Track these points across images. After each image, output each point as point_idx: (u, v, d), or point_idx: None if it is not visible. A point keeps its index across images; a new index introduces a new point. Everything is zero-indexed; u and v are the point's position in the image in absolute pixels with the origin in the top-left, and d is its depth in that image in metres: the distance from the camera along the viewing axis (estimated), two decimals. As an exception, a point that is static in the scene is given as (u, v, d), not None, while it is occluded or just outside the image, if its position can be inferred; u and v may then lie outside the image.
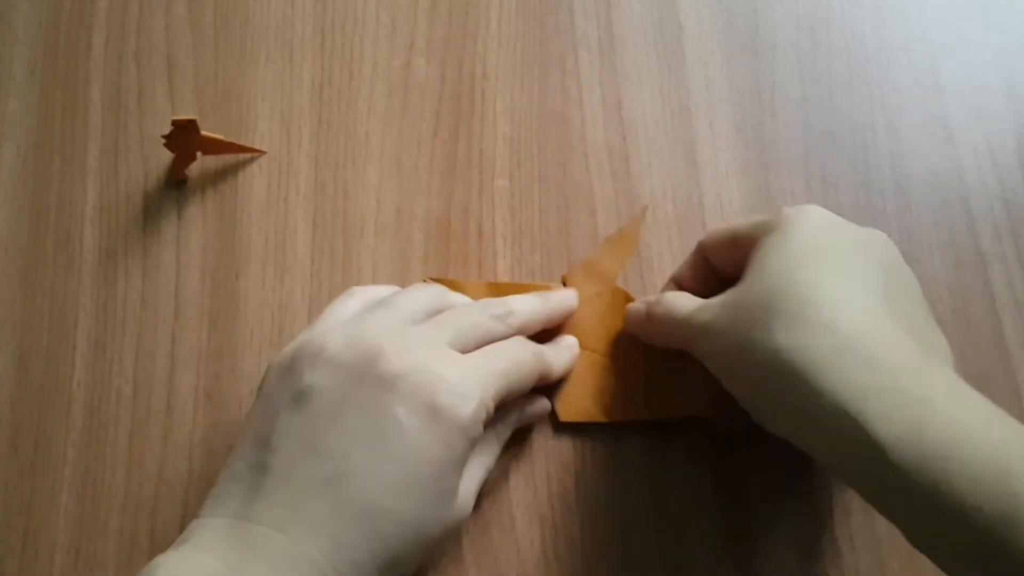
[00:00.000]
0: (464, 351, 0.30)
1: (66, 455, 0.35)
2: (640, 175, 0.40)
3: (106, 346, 0.36)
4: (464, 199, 0.39)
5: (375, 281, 0.38)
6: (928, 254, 0.39)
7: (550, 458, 0.35)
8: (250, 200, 0.39)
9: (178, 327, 0.37)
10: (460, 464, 0.28)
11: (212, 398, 0.36)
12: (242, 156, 0.39)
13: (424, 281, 0.37)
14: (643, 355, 0.35)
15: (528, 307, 0.34)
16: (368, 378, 0.28)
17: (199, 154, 0.38)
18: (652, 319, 0.33)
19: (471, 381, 0.29)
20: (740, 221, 0.32)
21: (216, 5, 0.42)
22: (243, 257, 0.38)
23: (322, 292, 0.37)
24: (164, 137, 0.36)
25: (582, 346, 0.36)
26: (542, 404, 0.34)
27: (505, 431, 0.33)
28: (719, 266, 0.33)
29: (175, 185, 0.39)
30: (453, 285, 0.36)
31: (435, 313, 0.32)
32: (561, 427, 0.35)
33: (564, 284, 0.37)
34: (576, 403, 0.35)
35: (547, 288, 0.36)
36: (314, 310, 0.37)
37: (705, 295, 0.33)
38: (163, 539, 0.34)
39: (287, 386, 0.29)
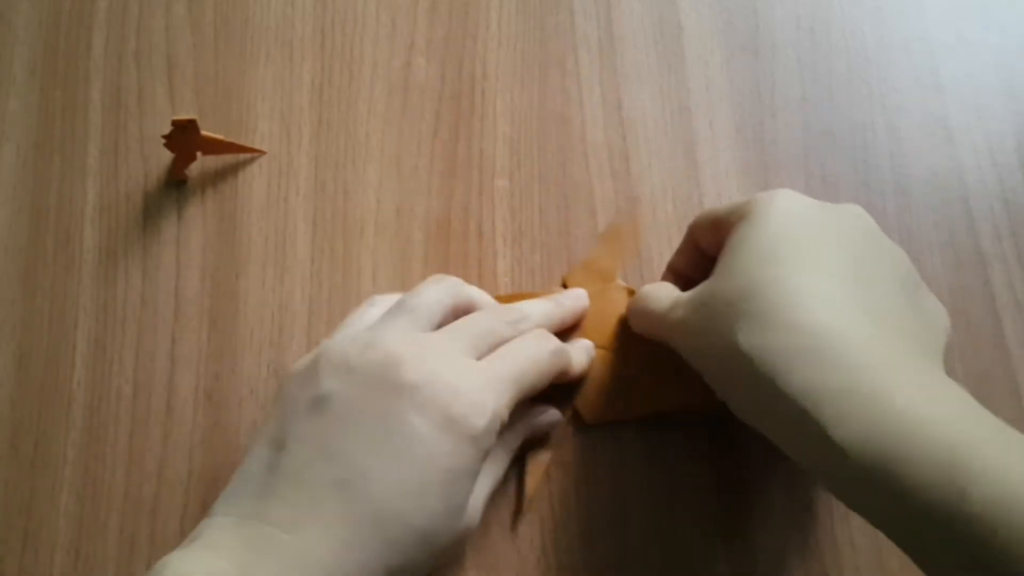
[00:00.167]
0: (480, 357, 0.31)
1: (66, 455, 0.35)
2: (640, 175, 0.40)
3: (106, 346, 0.36)
4: (464, 199, 0.39)
5: (375, 281, 0.38)
6: (928, 254, 0.39)
7: (550, 458, 0.35)
8: (250, 200, 0.39)
9: (178, 327, 0.37)
10: (472, 474, 0.29)
11: (212, 398, 0.36)
12: (242, 156, 0.39)
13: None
14: (651, 348, 0.35)
15: (541, 311, 0.34)
16: (385, 386, 0.28)
17: (199, 154, 0.38)
18: (635, 315, 0.34)
19: (486, 392, 0.29)
20: (724, 204, 0.32)
21: (216, 5, 0.42)
22: (243, 257, 0.38)
23: (322, 292, 0.37)
24: (164, 137, 0.36)
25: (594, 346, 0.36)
26: (552, 415, 0.34)
27: (514, 441, 0.33)
28: (707, 249, 0.33)
29: (175, 185, 0.39)
30: None
31: (453, 310, 0.32)
32: (564, 427, 0.35)
33: (565, 286, 0.37)
34: (597, 403, 0.35)
35: (554, 294, 0.36)
36: (314, 310, 0.37)
37: (698, 279, 0.33)
38: (163, 539, 0.34)
39: (305, 392, 0.29)
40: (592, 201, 0.39)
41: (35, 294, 0.37)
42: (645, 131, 0.40)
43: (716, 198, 0.39)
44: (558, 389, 0.34)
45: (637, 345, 0.35)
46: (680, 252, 0.35)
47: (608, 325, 0.36)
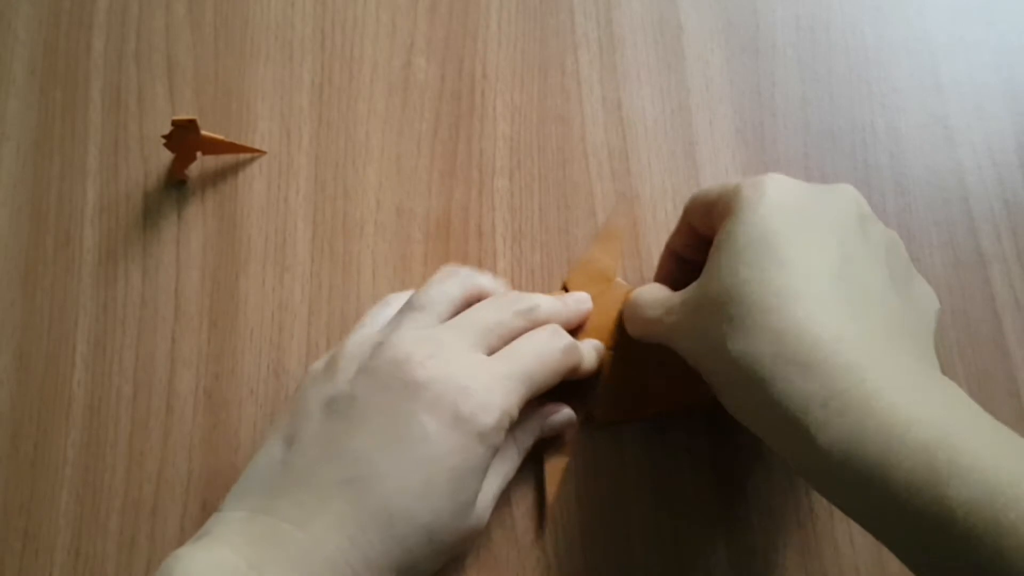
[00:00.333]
0: (490, 350, 0.31)
1: (66, 455, 0.35)
2: (640, 175, 0.40)
3: (106, 346, 0.36)
4: (464, 199, 0.39)
5: (375, 281, 0.38)
6: (928, 254, 0.39)
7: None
8: (250, 200, 0.39)
9: (178, 327, 0.37)
10: (480, 473, 0.29)
11: (212, 398, 0.36)
12: (242, 156, 0.39)
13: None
14: (656, 346, 0.35)
15: (552, 305, 0.34)
16: (395, 385, 0.29)
17: (199, 154, 0.38)
18: (630, 320, 0.33)
19: (495, 390, 0.29)
20: (715, 186, 0.31)
21: (216, 5, 0.42)
22: (243, 257, 0.38)
23: (322, 292, 0.37)
24: (164, 137, 0.36)
25: None
26: (565, 415, 0.34)
27: (527, 440, 0.33)
28: (703, 232, 0.33)
29: (175, 185, 0.39)
30: None
31: (464, 302, 0.32)
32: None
33: (566, 290, 0.37)
34: (607, 404, 0.35)
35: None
36: (314, 310, 0.37)
37: (697, 260, 0.33)
38: (163, 539, 0.34)
39: (318, 391, 0.30)
40: (592, 201, 0.39)
41: (35, 294, 0.37)
42: (645, 131, 0.40)
43: (716, 198, 0.39)
44: (571, 391, 0.34)
45: (641, 344, 0.35)
46: (677, 232, 0.34)
47: (612, 325, 0.36)
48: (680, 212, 0.33)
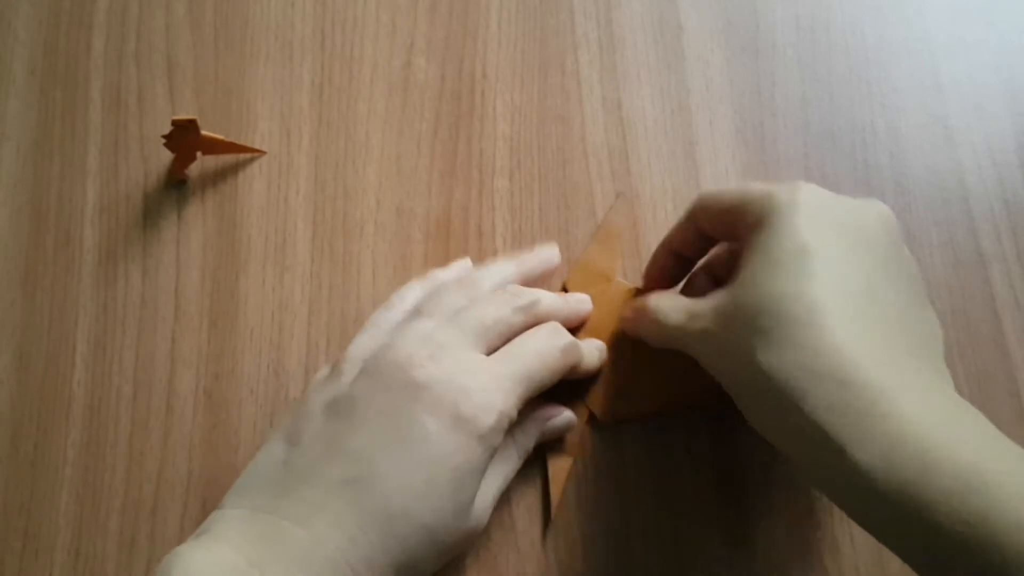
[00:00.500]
0: (490, 348, 0.31)
1: (66, 455, 0.35)
2: (640, 175, 0.40)
3: (106, 346, 0.36)
4: (464, 199, 0.39)
5: (375, 281, 0.38)
6: (928, 254, 0.39)
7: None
8: (250, 200, 0.39)
9: (178, 327, 0.37)
10: (479, 473, 0.29)
11: (212, 398, 0.36)
12: (242, 156, 0.39)
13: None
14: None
15: (553, 300, 0.34)
16: (395, 386, 0.29)
17: (199, 154, 0.38)
18: (643, 328, 0.33)
19: (494, 390, 0.29)
20: (731, 190, 0.31)
21: (216, 5, 0.42)
22: (243, 257, 0.38)
23: (322, 292, 0.37)
24: (164, 137, 0.36)
25: None
26: (565, 417, 0.34)
27: (527, 442, 0.33)
28: (710, 232, 0.32)
29: (175, 185, 0.39)
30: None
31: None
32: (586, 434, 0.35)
33: (565, 290, 0.37)
34: (611, 403, 0.35)
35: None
36: (314, 310, 0.37)
37: (694, 258, 0.33)
38: (163, 539, 0.34)
39: (323, 393, 0.30)
40: (592, 201, 0.39)
41: (35, 294, 0.37)
42: (645, 131, 0.40)
43: (716, 198, 0.39)
44: (572, 391, 0.34)
45: (642, 343, 0.35)
46: (679, 231, 0.34)
47: (613, 324, 0.36)
48: (680, 212, 0.33)
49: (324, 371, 0.32)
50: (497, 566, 0.33)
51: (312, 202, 0.39)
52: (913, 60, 0.42)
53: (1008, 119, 0.41)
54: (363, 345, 0.31)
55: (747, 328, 0.27)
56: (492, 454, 0.29)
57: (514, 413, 0.30)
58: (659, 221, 0.39)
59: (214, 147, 0.38)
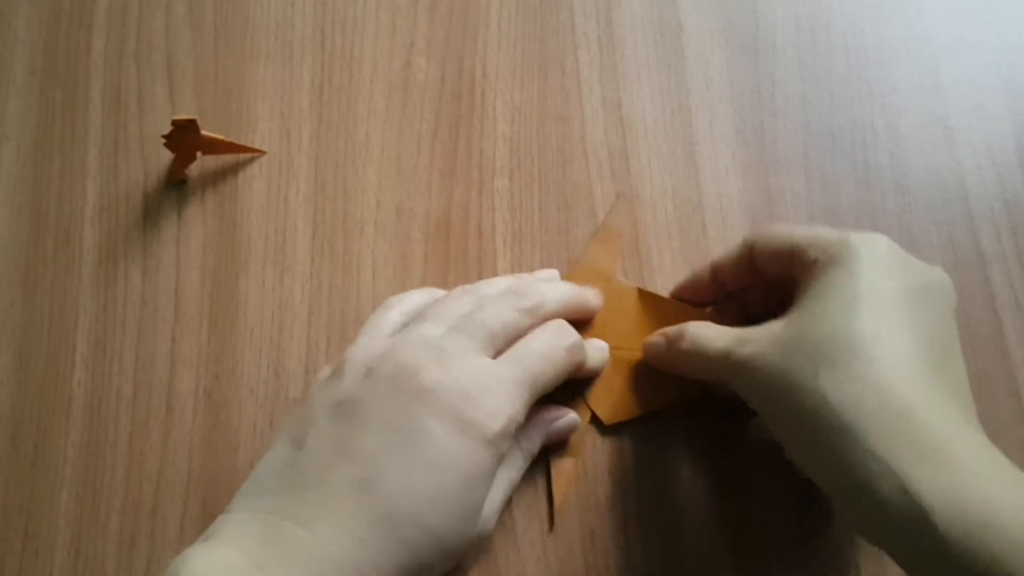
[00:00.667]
0: (496, 352, 0.31)
1: (66, 455, 0.35)
2: (640, 175, 0.40)
3: (106, 346, 0.36)
4: (464, 199, 0.39)
5: (375, 281, 0.38)
6: (928, 254, 0.39)
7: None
8: (250, 200, 0.39)
9: (178, 327, 0.37)
10: (488, 478, 0.29)
11: (212, 398, 0.36)
12: (242, 156, 0.39)
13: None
14: None
15: (559, 296, 0.34)
16: (403, 390, 0.29)
17: (199, 154, 0.38)
18: (676, 355, 0.33)
19: (501, 395, 0.29)
20: (799, 232, 0.31)
21: (216, 5, 0.42)
22: (243, 257, 0.38)
23: (322, 292, 0.37)
24: (164, 137, 0.36)
25: None
26: (569, 420, 0.34)
27: (532, 446, 0.33)
28: (763, 267, 0.32)
29: (175, 185, 0.39)
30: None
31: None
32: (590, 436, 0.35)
33: None
34: (613, 403, 0.35)
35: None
36: (314, 310, 0.37)
37: (732, 289, 0.33)
38: (163, 539, 0.34)
39: (327, 396, 0.30)
40: (592, 201, 0.39)
41: (35, 294, 0.37)
42: (645, 131, 0.40)
43: (716, 198, 0.39)
44: (573, 390, 0.34)
45: (644, 341, 0.35)
46: (731, 260, 0.34)
47: (614, 323, 0.36)
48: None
49: (325, 372, 0.32)
50: (497, 566, 0.33)
51: (312, 202, 0.39)
52: (913, 60, 0.42)
53: (1008, 119, 0.41)
54: (366, 348, 0.31)
55: (812, 357, 0.27)
56: (500, 459, 0.29)
57: (521, 417, 0.30)
58: (659, 221, 0.39)
59: (214, 147, 0.38)
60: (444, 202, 0.39)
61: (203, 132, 0.36)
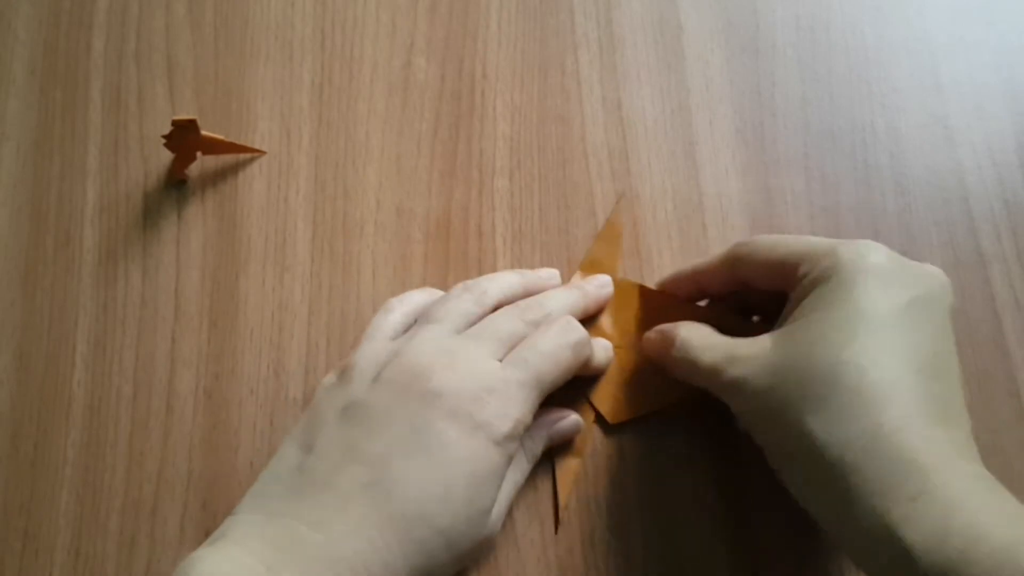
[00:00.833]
0: (503, 354, 0.31)
1: (66, 455, 0.35)
2: (640, 175, 0.40)
3: (106, 346, 0.36)
4: (464, 199, 0.39)
5: (375, 281, 0.38)
6: (928, 254, 0.39)
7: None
8: (250, 200, 0.39)
9: (178, 327, 0.37)
10: (498, 480, 0.29)
11: (212, 398, 0.36)
12: (242, 156, 0.39)
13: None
14: None
15: (562, 304, 0.34)
16: (413, 393, 0.29)
17: (199, 154, 0.38)
18: (669, 361, 0.33)
19: (508, 397, 0.29)
20: (788, 245, 0.30)
21: (216, 5, 0.42)
22: (243, 257, 0.38)
23: (322, 292, 0.37)
24: (164, 137, 0.36)
25: None
26: (572, 421, 0.34)
27: (536, 448, 0.33)
28: (751, 282, 0.32)
29: (175, 185, 0.39)
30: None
31: (477, 316, 0.33)
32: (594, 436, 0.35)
33: None
34: (618, 402, 0.35)
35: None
36: (314, 310, 0.37)
37: (721, 298, 0.33)
38: (163, 539, 0.34)
39: (335, 400, 0.30)
40: (592, 201, 0.39)
41: (35, 294, 0.37)
42: (645, 131, 0.40)
43: (716, 198, 0.39)
44: (577, 390, 0.35)
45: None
46: (711, 273, 0.33)
47: (617, 322, 0.36)
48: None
49: (331, 378, 0.32)
50: (497, 566, 0.33)
51: (312, 202, 0.39)
52: (913, 60, 0.42)
53: (1008, 119, 0.41)
54: (371, 352, 0.31)
55: (798, 391, 0.26)
56: (509, 461, 0.30)
57: (529, 419, 0.30)
58: (659, 221, 0.39)
59: (214, 147, 0.38)
60: (444, 202, 0.39)
61: (203, 132, 0.36)
